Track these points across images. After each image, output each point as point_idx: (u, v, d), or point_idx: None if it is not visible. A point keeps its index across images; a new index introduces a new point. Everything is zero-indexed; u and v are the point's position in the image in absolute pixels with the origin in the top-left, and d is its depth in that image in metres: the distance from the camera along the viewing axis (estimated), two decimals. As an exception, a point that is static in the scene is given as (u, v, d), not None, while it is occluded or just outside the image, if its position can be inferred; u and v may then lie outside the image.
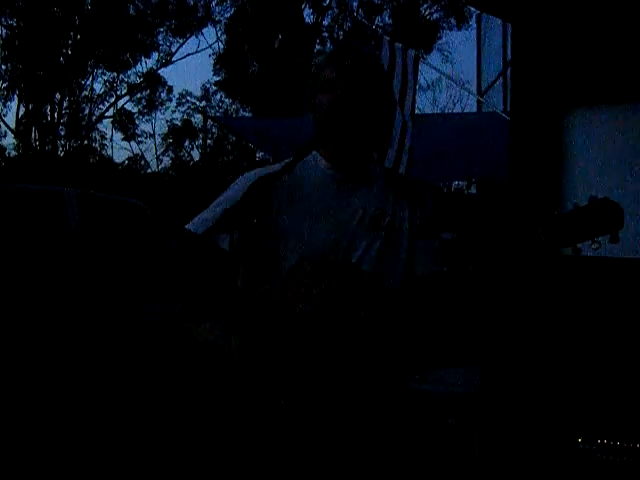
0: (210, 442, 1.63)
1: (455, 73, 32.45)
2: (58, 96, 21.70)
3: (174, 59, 23.90)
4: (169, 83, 24.65)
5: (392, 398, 1.69)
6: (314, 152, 1.70)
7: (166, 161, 25.15)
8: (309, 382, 1.56)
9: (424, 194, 1.75)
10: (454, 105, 25.79)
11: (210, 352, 1.60)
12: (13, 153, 21.81)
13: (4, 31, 20.85)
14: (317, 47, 22.30)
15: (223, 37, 23.10)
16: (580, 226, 1.39)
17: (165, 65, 23.67)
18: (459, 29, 22.47)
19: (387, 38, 5.34)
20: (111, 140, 24.48)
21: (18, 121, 21.44)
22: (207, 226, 1.56)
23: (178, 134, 24.33)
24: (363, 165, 1.73)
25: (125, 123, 24.10)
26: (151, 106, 24.10)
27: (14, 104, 21.75)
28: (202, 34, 23.46)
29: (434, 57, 23.55)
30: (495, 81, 9.98)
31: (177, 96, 24.51)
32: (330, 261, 1.61)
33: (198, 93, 25.03)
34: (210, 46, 27.56)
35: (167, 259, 1.68)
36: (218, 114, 22.77)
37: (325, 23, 22.90)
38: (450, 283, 1.50)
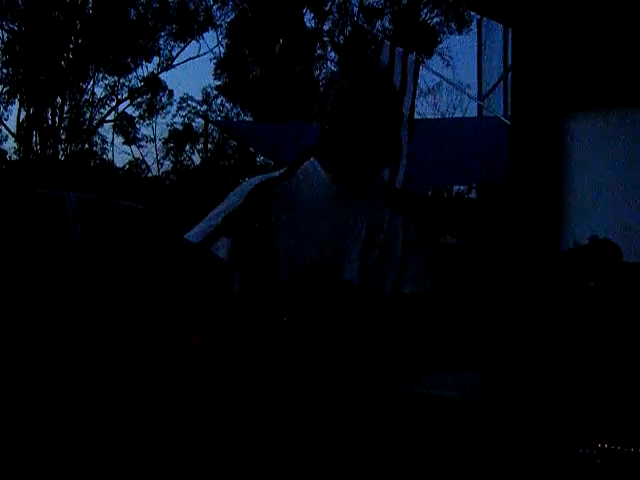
0: (205, 445, 1.62)
1: (456, 77, 32.52)
2: (59, 100, 21.75)
3: (175, 63, 23.88)
4: (170, 87, 24.72)
5: (387, 404, 1.69)
6: (315, 161, 1.69)
7: (167, 165, 25.22)
8: (304, 389, 1.57)
9: (421, 211, 1.73)
10: (454, 109, 25.75)
11: (204, 358, 1.60)
12: (14, 157, 21.88)
13: (5, 35, 20.95)
14: (318, 52, 22.37)
15: (224, 41, 23.17)
16: (579, 266, 1.39)
17: (166, 69, 23.73)
18: (460, 33, 22.51)
19: (387, 42, 5.34)
20: (112, 144, 24.47)
21: (19, 125, 21.48)
22: (206, 236, 1.55)
23: (179, 138, 24.36)
24: (365, 181, 1.70)
25: (126, 127, 24.15)
26: (152, 110, 24.14)
27: (15, 108, 21.82)
28: (203, 38, 23.55)
29: (435, 61, 23.56)
30: (496, 85, 9.98)
31: (178, 100, 24.59)
32: (323, 278, 1.60)
33: (199, 97, 25.04)
34: (211, 50, 27.63)
35: (167, 269, 1.69)
36: (219, 118, 22.81)
37: (326, 28, 22.97)
38: (443, 303, 1.52)
